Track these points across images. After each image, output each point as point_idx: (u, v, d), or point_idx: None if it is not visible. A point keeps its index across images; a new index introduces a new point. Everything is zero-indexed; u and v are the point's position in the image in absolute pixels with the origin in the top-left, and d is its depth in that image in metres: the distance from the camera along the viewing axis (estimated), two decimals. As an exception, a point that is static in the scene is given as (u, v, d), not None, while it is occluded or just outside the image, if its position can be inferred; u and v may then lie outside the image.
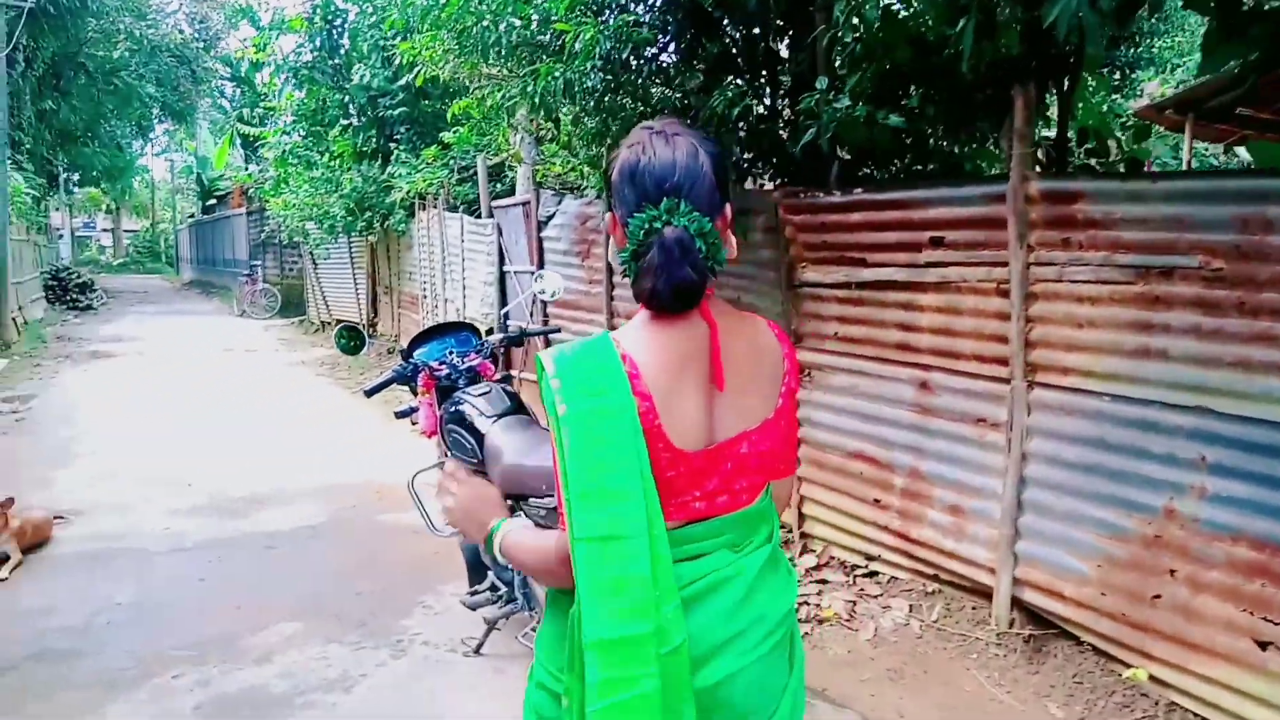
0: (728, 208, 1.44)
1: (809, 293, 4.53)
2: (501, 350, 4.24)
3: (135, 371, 12.06)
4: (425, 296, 11.31)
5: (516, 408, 3.80)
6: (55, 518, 5.50)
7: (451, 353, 4.12)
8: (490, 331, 4.98)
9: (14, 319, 14.97)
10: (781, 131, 4.84)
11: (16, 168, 23.47)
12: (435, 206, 10.62)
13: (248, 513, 5.88)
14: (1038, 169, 3.73)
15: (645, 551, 1.31)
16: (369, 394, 3.89)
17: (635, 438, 1.34)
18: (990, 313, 3.71)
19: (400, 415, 4.08)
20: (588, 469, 1.32)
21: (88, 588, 4.59)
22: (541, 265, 7.32)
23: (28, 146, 27.21)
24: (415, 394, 4.06)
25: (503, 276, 8.63)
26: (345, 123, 12.70)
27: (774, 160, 4.90)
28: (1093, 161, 4.32)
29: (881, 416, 4.22)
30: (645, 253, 1.38)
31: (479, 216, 9.28)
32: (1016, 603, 3.70)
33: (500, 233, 8.55)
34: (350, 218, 12.25)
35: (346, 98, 12.52)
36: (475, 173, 10.88)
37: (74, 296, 22.71)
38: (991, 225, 3.65)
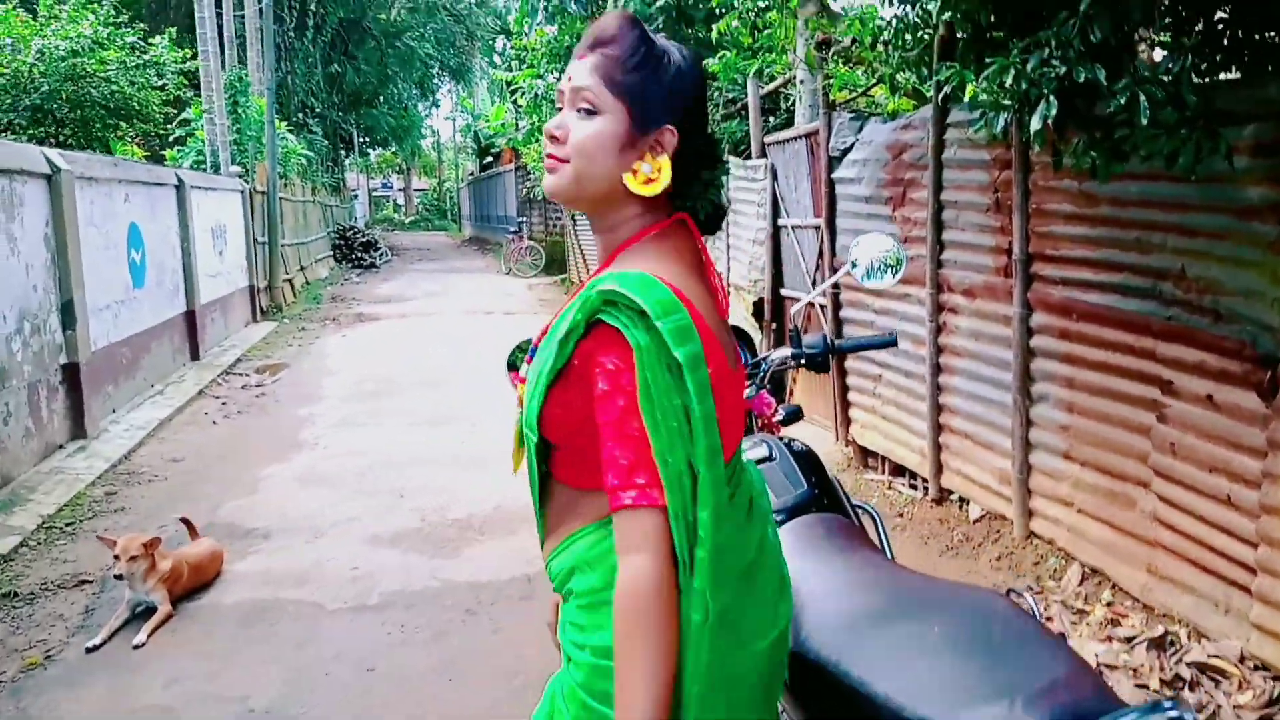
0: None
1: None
2: (792, 369, 2.50)
3: (391, 338, 11.48)
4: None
5: (817, 492, 2.09)
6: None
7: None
8: (785, 332, 3.07)
9: (288, 280, 15.08)
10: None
11: (304, 130, 24.62)
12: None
13: (458, 546, 4.59)
14: None
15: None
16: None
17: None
18: None
19: None
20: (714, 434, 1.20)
21: (223, 673, 3.42)
22: (833, 218, 5.48)
23: (318, 110, 28.63)
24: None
25: (776, 233, 6.86)
26: (601, 60, 11.33)
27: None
28: None
29: None
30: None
31: (748, 157, 7.53)
32: None
33: (775, 176, 6.76)
34: (605, 168, 10.91)
35: (602, 30, 11.13)
36: (743, 105, 9.13)
37: (359, 255, 23.42)
38: None
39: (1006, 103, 2.59)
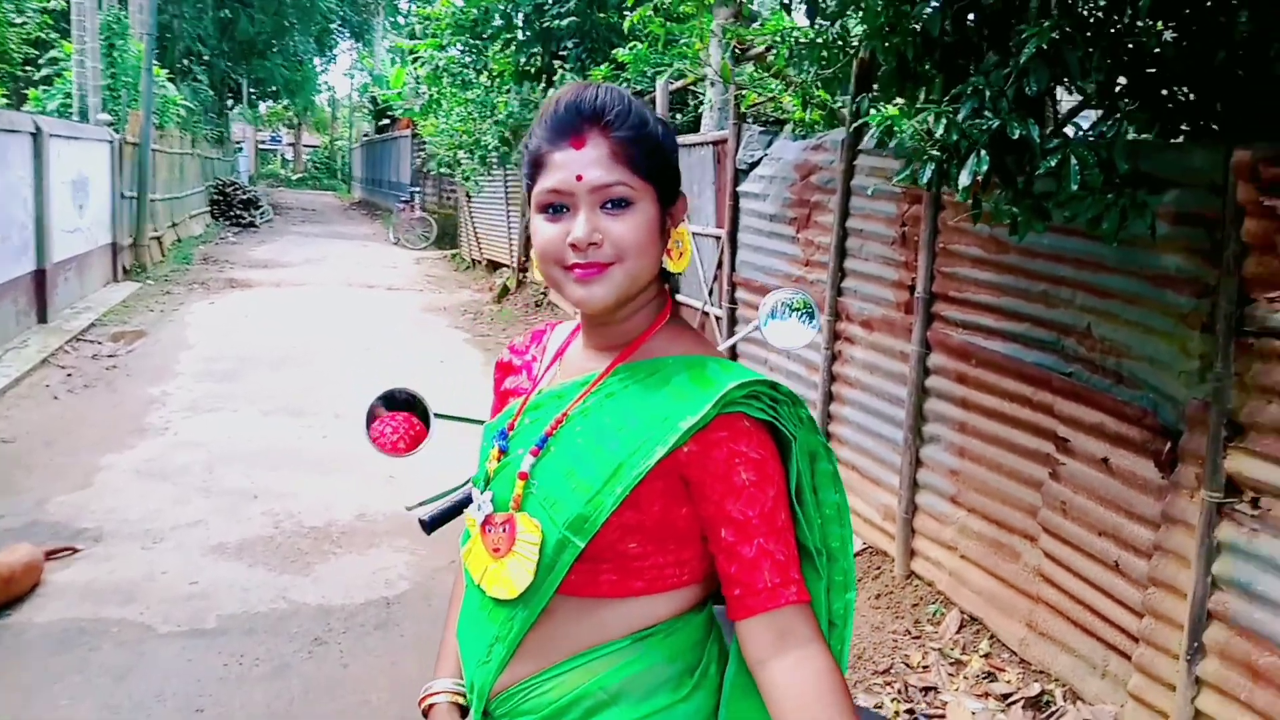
0: None
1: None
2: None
3: (262, 309, 10.82)
4: (583, 247, 9.48)
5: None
6: (53, 553, 4.00)
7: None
8: None
9: (156, 238, 14.12)
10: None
11: (189, 78, 23.22)
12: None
13: (311, 561, 4.23)
14: None
15: None
16: (429, 528, 2.02)
17: None
18: None
19: (425, 526, 2.13)
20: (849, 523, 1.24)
21: (24, 712, 3.01)
22: (735, 231, 5.30)
23: (206, 57, 27.06)
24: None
25: (678, 235, 6.65)
26: (508, 36, 10.91)
27: (1212, 94, 2.69)
28: None
29: None
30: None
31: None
32: None
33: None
34: (505, 148, 10.53)
35: (511, 6, 10.69)
36: (650, 98, 8.90)
37: (238, 213, 22.21)
38: None
39: (934, 153, 2.42)
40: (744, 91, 5.09)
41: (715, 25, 7.19)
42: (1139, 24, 2.48)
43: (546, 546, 1.16)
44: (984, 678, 3.48)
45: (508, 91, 10.67)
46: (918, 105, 2.50)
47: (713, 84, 7.23)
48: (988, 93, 2.39)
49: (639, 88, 9.28)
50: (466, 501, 2.05)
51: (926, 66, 2.87)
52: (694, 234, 6.22)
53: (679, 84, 7.68)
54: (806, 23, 4.45)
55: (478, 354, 9.02)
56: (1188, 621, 2.65)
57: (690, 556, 1.19)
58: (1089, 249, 2.98)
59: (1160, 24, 2.45)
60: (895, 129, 2.51)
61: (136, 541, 4.30)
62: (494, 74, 11.02)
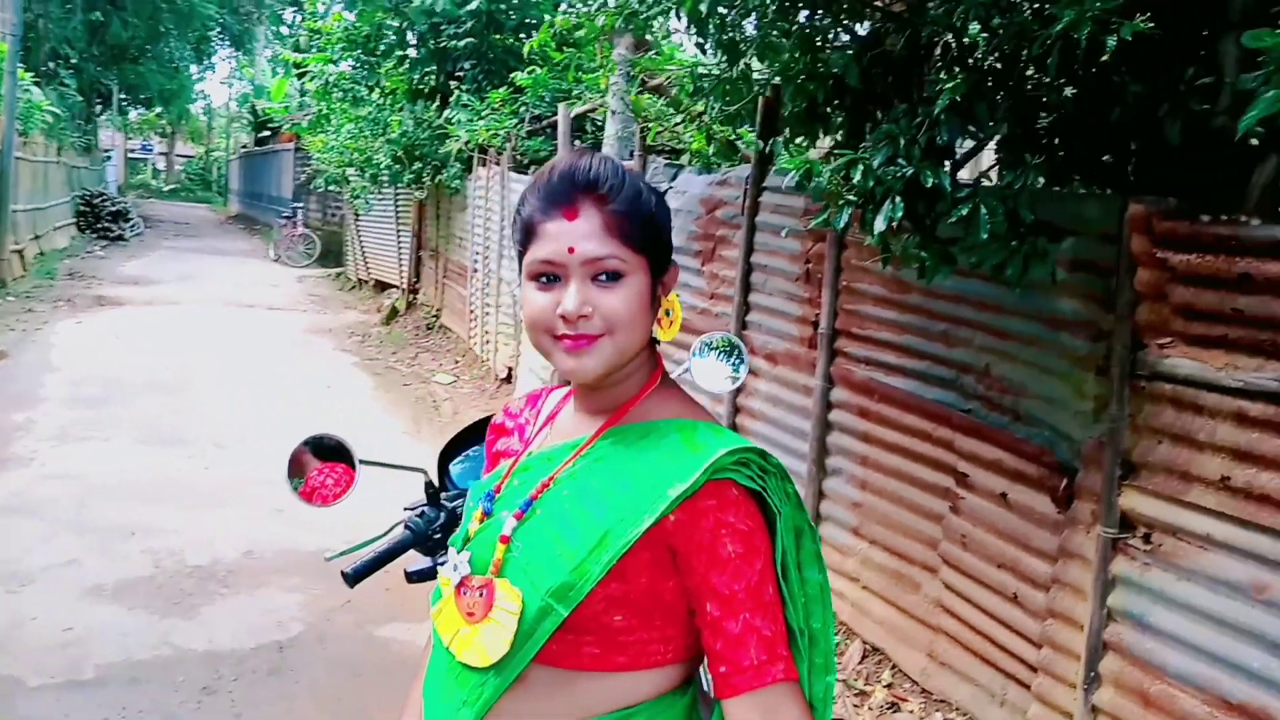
0: None
1: (1170, 393, 2.49)
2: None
3: (135, 329, 10.26)
4: (476, 270, 9.36)
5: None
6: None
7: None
8: None
9: (18, 251, 13.28)
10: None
11: (55, 82, 21.99)
12: (498, 163, 8.63)
13: (197, 603, 4.01)
14: None
15: None
16: (353, 580, 1.93)
17: None
18: None
19: (415, 578, 2.06)
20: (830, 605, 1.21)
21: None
22: (639, 260, 5.31)
23: (74, 61, 25.67)
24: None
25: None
26: (401, 54, 10.72)
27: (1106, 151, 2.83)
28: None
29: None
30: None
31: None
32: None
33: (580, 206, 6.54)
34: (397, 167, 10.32)
35: (405, 23, 10.51)
36: (552, 124, 8.88)
37: (106, 225, 21.07)
38: None
39: (851, 198, 2.48)
40: (650, 124, 5.11)
41: (616, 54, 7.24)
42: (1042, 79, 2.60)
43: (526, 614, 1.12)
44: (888, 708, 3.55)
45: (401, 110, 10.47)
46: (835, 151, 2.56)
47: (614, 113, 7.25)
48: (901, 140, 2.46)
49: (537, 111, 9.26)
50: (395, 552, 1.98)
51: (831, 110, 2.95)
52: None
53: (580, 109, 7.67)
54: (706, 56, 4.53)
55: (366, 378, 8.79)
56: (1084, 652, 2.76)
57: (675, 633, 1.17)
58: (989, 291, 3.09)
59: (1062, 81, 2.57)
60: (814, 172, 2.56)
61: (1, 585, 3.99)
62: (386, 91, 10.81)
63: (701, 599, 1.11)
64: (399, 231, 13.00)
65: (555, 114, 8.94)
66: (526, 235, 1.16)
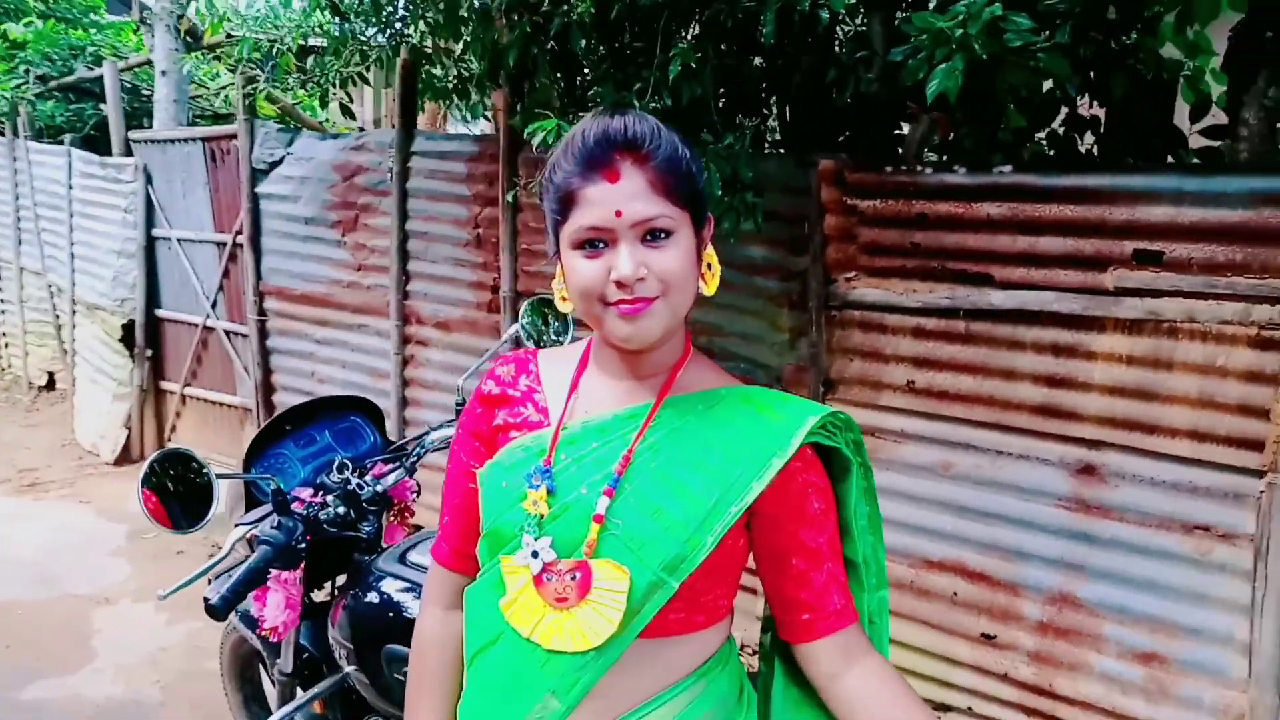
0: None
1: (859, 318, 2.97)
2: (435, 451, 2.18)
3: None
4: (-9, 265, 7.82)
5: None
6: None
7: (341, 466, 2.03)
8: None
9: None
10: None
11: None
12: (12, 133, 7.24)
13: None
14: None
15: None
16: (222, 612, 1.67)
17: None
18: (1236, 371, 2.44)
19: (215, 610, 1.78)
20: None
21: None
22: (258, 235, 4.86)
23: None
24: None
25: (151, 245, 5.90)
26: None
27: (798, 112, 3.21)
28: None
29: (1003, 512, 2.82)
30: None
31: (105, 153, 6.30)
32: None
33: (150, 180, 5.80)
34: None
35: None
36: (68, 86, 7.66)
37: None
38: (1258, 239, 2.37)
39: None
40: (257, 84, 4.64)
41: (157, 6, 6.44)
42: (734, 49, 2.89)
43: (635, 590, 1.11)
44: None
45: None
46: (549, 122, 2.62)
47: (164, 73, 6.45)
48: (636, 105, 2.60)
49: (41, 71, 7.90)
50: (261, 570, 1.74)
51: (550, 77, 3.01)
52: (187, 241, 5.57)
53: (125, 66, 6.70)
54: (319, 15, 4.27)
55: None
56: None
57: (733, 586, 1.24)
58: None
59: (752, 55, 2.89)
60: (562, 132, 2.60)
61: None
62: None
63: (788, 554, 1.18)
64: None
65: (70, 74, 7.75)
66: (564, 204, 1.12)
